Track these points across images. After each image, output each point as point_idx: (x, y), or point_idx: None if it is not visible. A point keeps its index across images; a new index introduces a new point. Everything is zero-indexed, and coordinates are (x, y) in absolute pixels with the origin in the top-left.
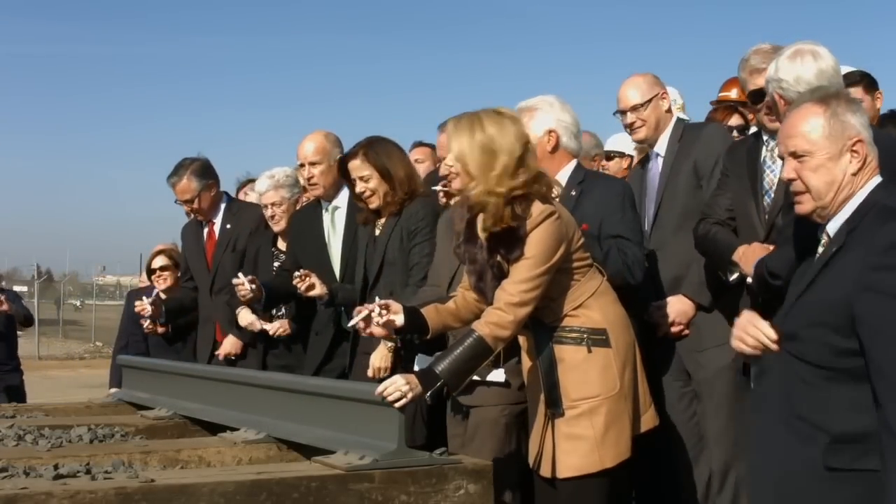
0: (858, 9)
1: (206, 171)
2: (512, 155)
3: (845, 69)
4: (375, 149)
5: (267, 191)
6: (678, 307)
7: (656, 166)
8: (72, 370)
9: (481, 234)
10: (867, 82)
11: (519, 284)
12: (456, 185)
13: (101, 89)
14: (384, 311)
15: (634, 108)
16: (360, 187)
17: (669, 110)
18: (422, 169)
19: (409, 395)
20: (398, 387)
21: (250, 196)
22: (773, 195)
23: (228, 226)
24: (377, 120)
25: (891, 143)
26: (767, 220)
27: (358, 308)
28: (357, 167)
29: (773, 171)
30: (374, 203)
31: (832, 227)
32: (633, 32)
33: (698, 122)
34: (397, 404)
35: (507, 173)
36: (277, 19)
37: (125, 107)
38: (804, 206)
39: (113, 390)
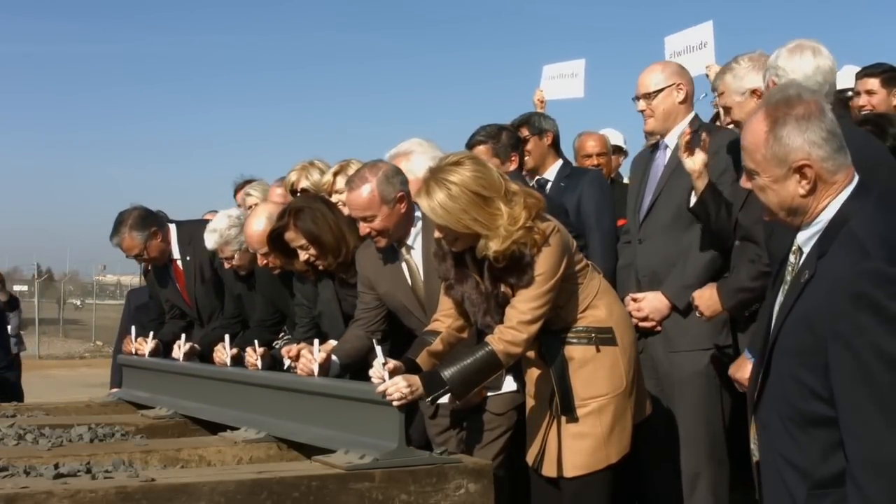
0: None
1: (144, 221)
2: (499, 189)
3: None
4: (303, 217)
5: (216, 247)
6: (654, 304)
7: (662, 158)
8: (72, 369)
9: (475, 274)
10: (887, 77)
11: (530, 302)
12: (458, 248)
13: (101, 88)
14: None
15: (646, 97)
16: (303, 256)
17: (685, 102)
18: None
19: (410, 397)
20: (399, 387)
21: (251, 197)
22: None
23: (188, 258)
24: (376, 120)
25: (862, 140)
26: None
27: (374, 372)
28: (293, 238)
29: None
30: (323, 265)
31: (801, 238)
32: (632, 31)
33: (714, 125)
34: (396, 403)
35: (509, 209)
36: (277, 19)
37: (125, 105)
38: (765, 215)
39: (114, 390)
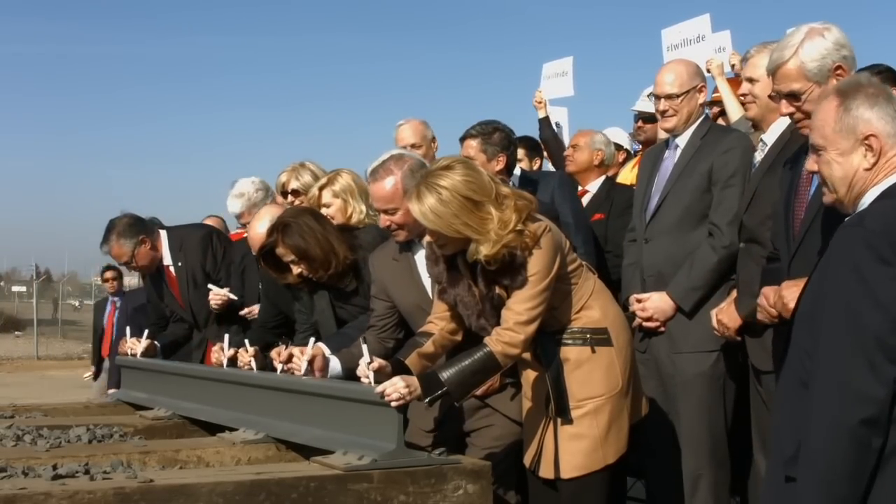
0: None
1: (132, 229)
2: (490, 193)
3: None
4: (290, 232)
5: (242, 211)
6: (659, 304)
7: (672, 157)
8: (70, 370)
9: (467, 277)
10: (884, 77)
11: (526, 302)
12: (447, 251)
13: (100, 89)
14: (373, 371)
15: (669, 97)
16: (295, 270)
17: (703, 104)
18: None
19: (408, 398)
20: (397, 388)
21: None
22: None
23: (179, 264)
24: (376, 120)
25: None
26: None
27: (360, 371)
28: (283, 254)
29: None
30: (315, 278)
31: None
32: (631, 30)
33: (724, 126)
34: (394, 404)
35: (499, 213)
36: (277, 19)
37: (124, 106)
38: (825, 197)
39: (111, 391)
